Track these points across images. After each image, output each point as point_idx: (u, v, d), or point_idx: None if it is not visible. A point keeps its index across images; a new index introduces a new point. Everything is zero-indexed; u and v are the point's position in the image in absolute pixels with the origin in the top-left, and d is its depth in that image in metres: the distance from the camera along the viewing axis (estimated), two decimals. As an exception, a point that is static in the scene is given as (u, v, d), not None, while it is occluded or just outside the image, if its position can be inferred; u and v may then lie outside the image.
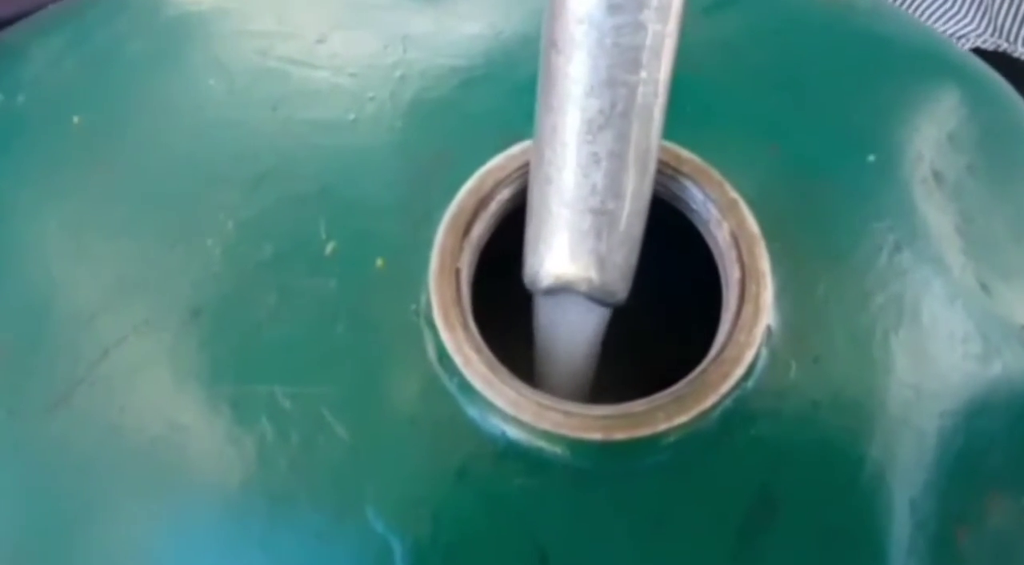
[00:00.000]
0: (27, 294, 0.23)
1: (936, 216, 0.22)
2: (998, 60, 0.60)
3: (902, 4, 0.63)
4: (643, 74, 0.16)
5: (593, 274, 0.18)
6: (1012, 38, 0.59)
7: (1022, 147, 0.26)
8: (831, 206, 0.21)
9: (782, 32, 0.25)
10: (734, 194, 0.19)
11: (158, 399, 0.20)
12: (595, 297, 0.18)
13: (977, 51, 0.60)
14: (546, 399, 0.17)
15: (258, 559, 0.18)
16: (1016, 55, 0.59)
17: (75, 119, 0.25)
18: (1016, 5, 0.59)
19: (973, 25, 0.60)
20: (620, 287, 0.18)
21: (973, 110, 0.26)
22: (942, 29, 0.61)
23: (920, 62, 0.27)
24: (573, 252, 0.18)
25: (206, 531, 0.19)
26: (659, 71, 0.16)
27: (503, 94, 0.23)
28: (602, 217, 0.17)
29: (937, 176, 0.23)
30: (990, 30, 0.59)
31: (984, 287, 0.21)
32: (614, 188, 0.17)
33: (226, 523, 0.19)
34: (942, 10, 0.62)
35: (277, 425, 0.19)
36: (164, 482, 0.20)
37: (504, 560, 0.17)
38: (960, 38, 0.60)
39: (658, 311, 0.25)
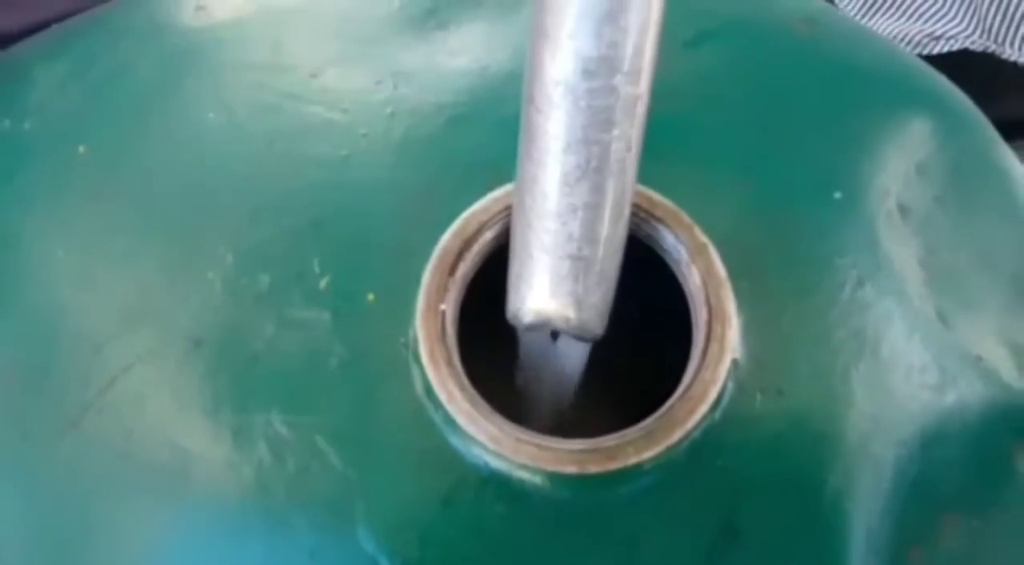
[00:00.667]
0: (36, 320, 0.24)
1: (899, 250, 0.23)
2: (986, 62, 0.61)
3: (891, 5, 0.64)
4: (616, 132, 0.17)
5: (571, 313, 0.19)
6: (1000, 39, 0.60)
7: (991, 177, 0.27)
8: (798, 244, 0.22)
9: (758, 67, 0.26)
10: (703, 238, 0.20)
11: (163, 425, 0.21)
12: (574, 334, 0.20)
13: (966, 52, 0.60)
14: (524, 434, 0.18)
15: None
16: (1004, 57, 0.60)
17: (80, 149, 0.26)
18: (1004, 7, 0.60)
19: (962, 26, 0.61)
20: (597, 324, 0.20)
21: (944, 141, 0.27)
22: (931, 30, 0.61)
23: (892, 92, 0.28)
24: (553, 293, 0.19)
25: (207, 552, 0.20)
26: (631, 129, 0.17)
27: (488, 131, 0.24)
28: (579, 262, 0.18)
29: (903, 209, 0.24)
30: (979, 31, 0.60)
31: (943, 318, 0.22)
32: (590, 235, 0.18)
33: (226, 543, 0.20)
34: (932, 10, 0.62)
35: (274, 451, 0.20)
36: (168, 504, 0.21)
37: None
38: (949, 39, 0.61)
39: (638, 340, 0.26)
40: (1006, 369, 0.23)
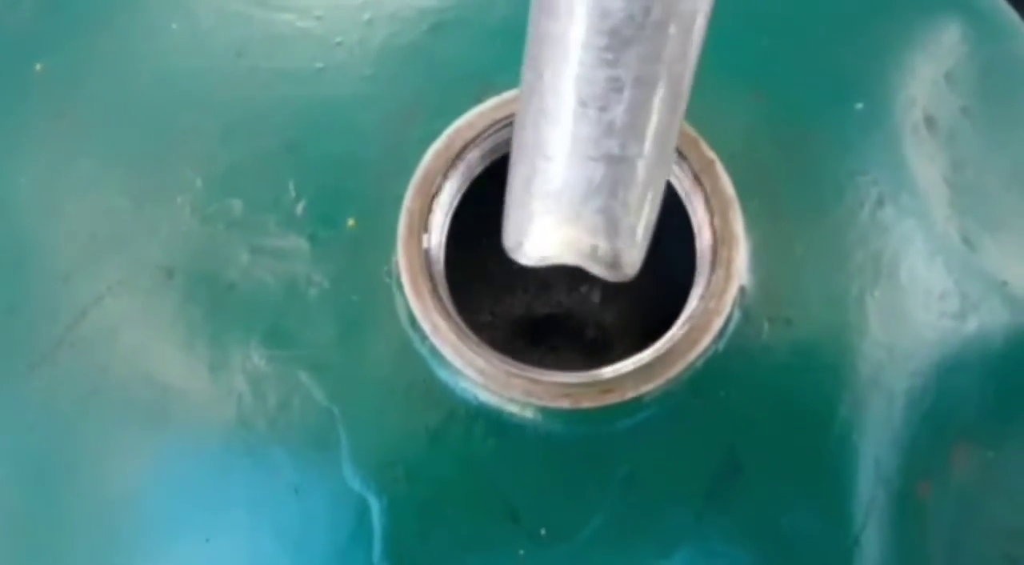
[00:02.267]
0: (1, 253, 0.23)
1: (924, 167, 0.21)
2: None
3: None
4: None
5: (602, 240, 0.15)
6: None
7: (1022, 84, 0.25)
8: (814, 159, 0.20)
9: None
10: (710, 154, 0.18)
11: (137, 359, 0.20)
12: (603, 270, 0.15)
13: None
14: (515, 367, 0.17)
15: (240, 515, 0.19)
16: None
17: (37, 66, 0.24)
18: None
19: None
20: (634, 258, 0.15)
21: (975, 47, 0.25)
22: None
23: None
24: (578, 213, 0.14)
25: (189, 489, 0.19)
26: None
27: (475, 39, 0.22)
28: (620, 165, 0.13)
29: (929, 122, 0.22)
30: None
31: (968, 241, 0.21)
32: (636, 127, 0.13)
33: (209, 480, 0.20)
34: None
35: (254, 385, 0.19)
36: (147, 440, 0.20)
37: (477, 517, 0.18)
38: None
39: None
40: (1032, 293, 0.21)
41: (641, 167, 0.14)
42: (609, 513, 0.17)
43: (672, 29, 0.12)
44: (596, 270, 0.15)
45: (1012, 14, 0.27)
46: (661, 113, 0.13)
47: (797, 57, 0.22)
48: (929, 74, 0.23)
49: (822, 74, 0.22)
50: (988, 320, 0.20)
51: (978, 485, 0.20)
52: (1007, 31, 0.26)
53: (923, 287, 0.20)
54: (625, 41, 0.12)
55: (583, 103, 0.13)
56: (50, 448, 0.20)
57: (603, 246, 0.15)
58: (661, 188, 0.15)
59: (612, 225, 0.15)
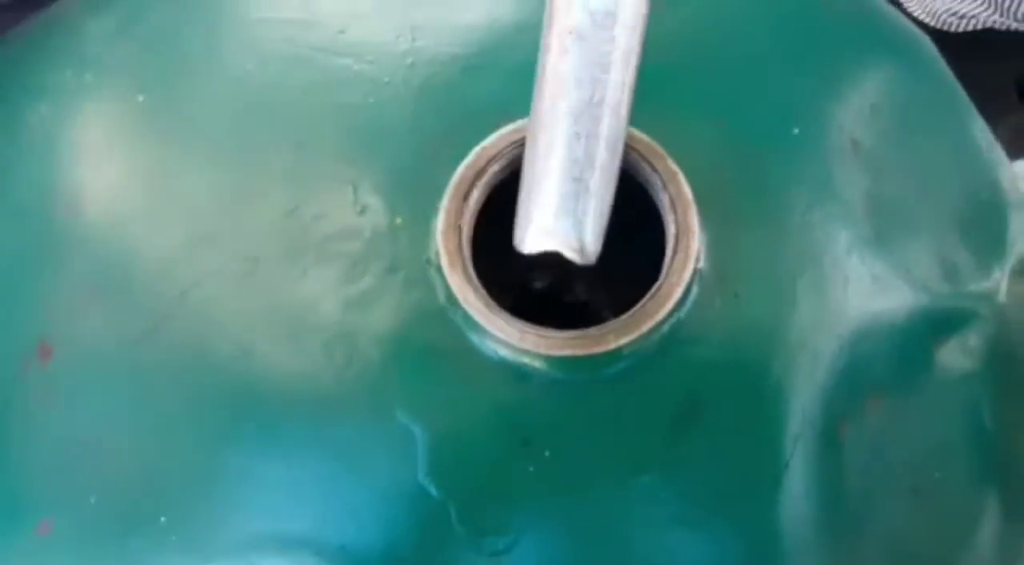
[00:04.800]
0: (114, 247, 0.28)
1: (848, 181, 0.27)
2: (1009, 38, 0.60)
3: None
4: (614, 74, 0.20)
5: (572, 233, 0.23)
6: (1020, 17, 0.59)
7: (944, 121, 0.31)
8: (759, 173, 0.26)
9: (734, 15, 0.30)
10: (674, 167, 0.24)
11: (230, 333, 0.26)
12: (572, 252, 0.23)
13: (991, 30, 0.60)
14: (527, 326, 0.23)
15: (313, 454, 0.25)
16: None
17: (139, 98, 0.30)
18: None
19: (983, 7, 0.60)
20: (592, 244, 0.23)
21: (898, 81, 0.30)
22: (955, 8, 0.61)
23: (856, 35, 0.31)
24: (556, 212, 0.23)
25: (272, 436, 0.25)
26: (627, 72, 0.21)
27: (499, 78, 0.28)
28: (580, 184, 0.22)
29: (855, 144, 0.28)
30: (998, 12, 0.60)
31: (880, 239, 0.27)
32: (590, 162, 0.22)
33: (288, 427, 0.25)
34: None
35: (325, 351, 0.25)
36: (238, 397, 0.26)
37: (498, 444, 0.23)
38: (971, 18, 0.61)
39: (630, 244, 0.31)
40: (933, 280, 0.27)
41: (594, 186, 0.22)
42: (597, 440, 0.23)
43: (607, 106, 0.21)
44: (571, 257, 0.23)
45: (932, 49, 0.33)
46: (604, 153, 0.22)
47: (751, 91, 0.28)
48: (857, 104, 0.29)
49: (770, 104, 0.28)
50: (894, 298, 0.26)
51: (888, 428, 0.26)
52: (931, 72, 0.32)
53: (842, 273, 0.25)
54: (581, 112, 0.20)
55: (559, 145, 0.21)
56: (161, 405, 0.26)
57: (573, 237, 0.23)
58: (609, 200, 0.23)
59: (578, 222, 0.23)
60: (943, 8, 0.60)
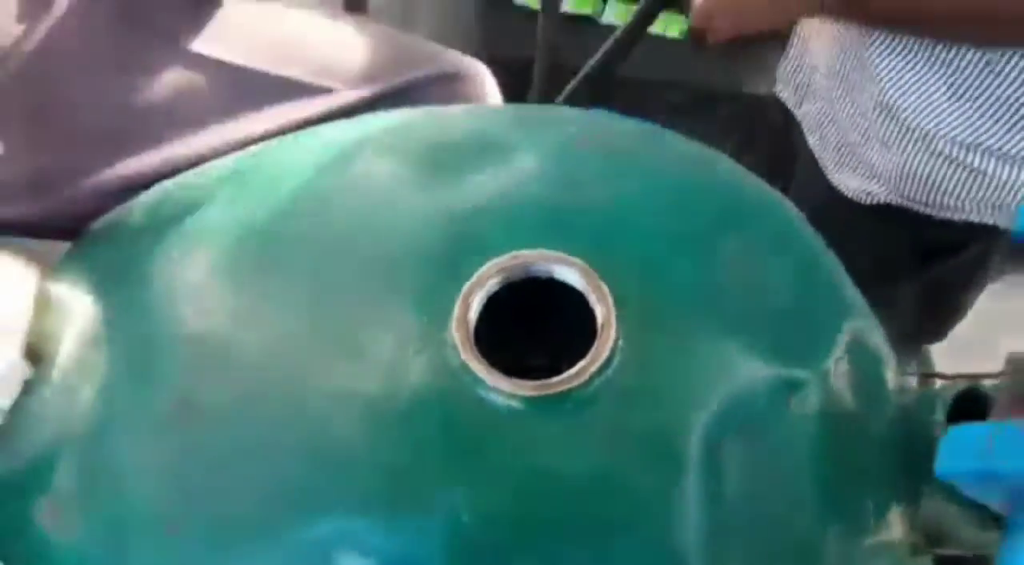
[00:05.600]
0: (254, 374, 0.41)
1: (727, 294, 0.42)
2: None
3: (846, 164, 0.75)
4: None
5: None
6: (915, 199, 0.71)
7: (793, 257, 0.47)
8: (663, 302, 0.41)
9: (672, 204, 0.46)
10: (604, 287, 0.38)
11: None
12: None
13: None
14: (515, 380, 0.36)
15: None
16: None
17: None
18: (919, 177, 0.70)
19: (882, 187, 0.73)
20: None
21: (759, 240, 0.46)
22: (865, 187, 0.75)
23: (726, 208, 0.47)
24: None
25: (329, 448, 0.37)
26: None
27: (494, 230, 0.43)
28: None
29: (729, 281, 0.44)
30: (895, 194, 0.73)
31: (748, 329, 0.41)
32: None
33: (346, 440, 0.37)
34: (862, 171, 0.75)
35: (386, 398, 0.38)
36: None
37: (501, 459, 0.36)
38: (876, 194, 0.74)
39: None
40: (786, 358, 0.41)
41: None
42: (558, 454, 0.36)
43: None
44: None
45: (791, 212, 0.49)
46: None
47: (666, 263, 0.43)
48: (730, 250, 0.45)
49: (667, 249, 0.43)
50: (743, 385, 0.40)
51: (748, 454, 0.38)
52: (784, 225, 0.48)
53: (719, 357, 0.39)
54: None
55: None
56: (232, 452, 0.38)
57: None
58: None
59: None
60: (855, 186, 0.77)
